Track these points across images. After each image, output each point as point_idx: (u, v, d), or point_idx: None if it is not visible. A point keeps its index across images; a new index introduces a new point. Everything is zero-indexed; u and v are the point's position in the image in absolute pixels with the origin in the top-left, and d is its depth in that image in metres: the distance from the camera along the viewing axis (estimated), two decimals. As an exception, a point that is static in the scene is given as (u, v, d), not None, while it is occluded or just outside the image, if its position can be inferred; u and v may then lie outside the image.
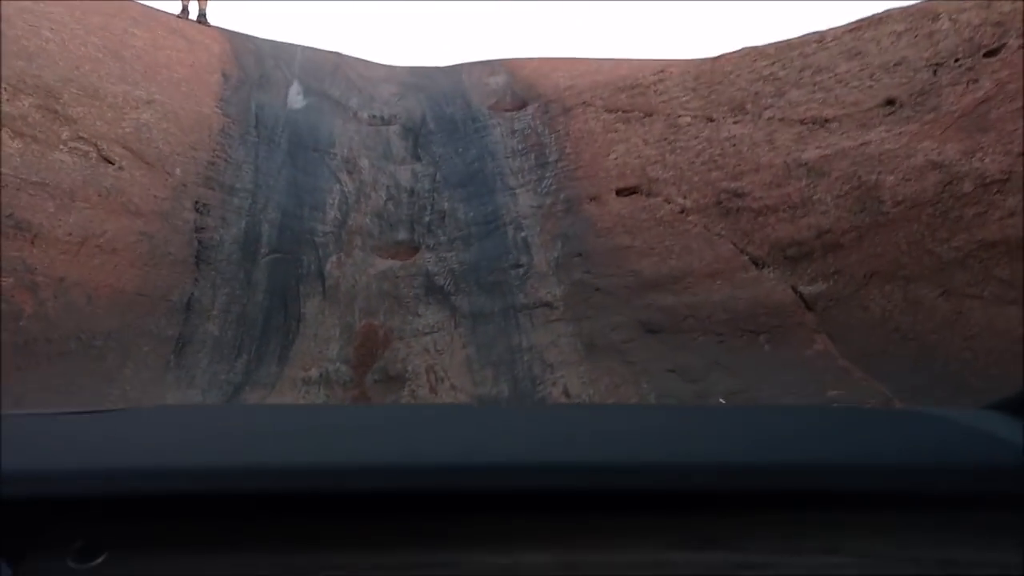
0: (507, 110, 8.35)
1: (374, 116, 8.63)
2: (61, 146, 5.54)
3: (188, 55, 7.80)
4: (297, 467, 0.84)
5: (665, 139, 6.34)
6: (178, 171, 6.07)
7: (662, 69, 7.47)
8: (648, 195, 5.92)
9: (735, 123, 6.00)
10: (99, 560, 0.73)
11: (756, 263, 4.98)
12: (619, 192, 6.11)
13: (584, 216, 6.00)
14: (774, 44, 6.60)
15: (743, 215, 5.24)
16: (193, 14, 9.83)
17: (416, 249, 6.69)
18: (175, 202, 5.79)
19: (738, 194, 5.37)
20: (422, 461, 0.87)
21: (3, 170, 5.02)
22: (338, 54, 9.96)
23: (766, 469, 0.85)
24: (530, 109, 8.07)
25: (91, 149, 5.70)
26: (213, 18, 9.81)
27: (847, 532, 0.77)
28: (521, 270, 5.75)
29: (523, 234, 6.14)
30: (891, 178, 4.52)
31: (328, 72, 9.29)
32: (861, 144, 4.87)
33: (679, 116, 6.51)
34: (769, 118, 5.77)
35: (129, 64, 6.92)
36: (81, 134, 5.72)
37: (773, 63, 6.30)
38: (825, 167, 4.95)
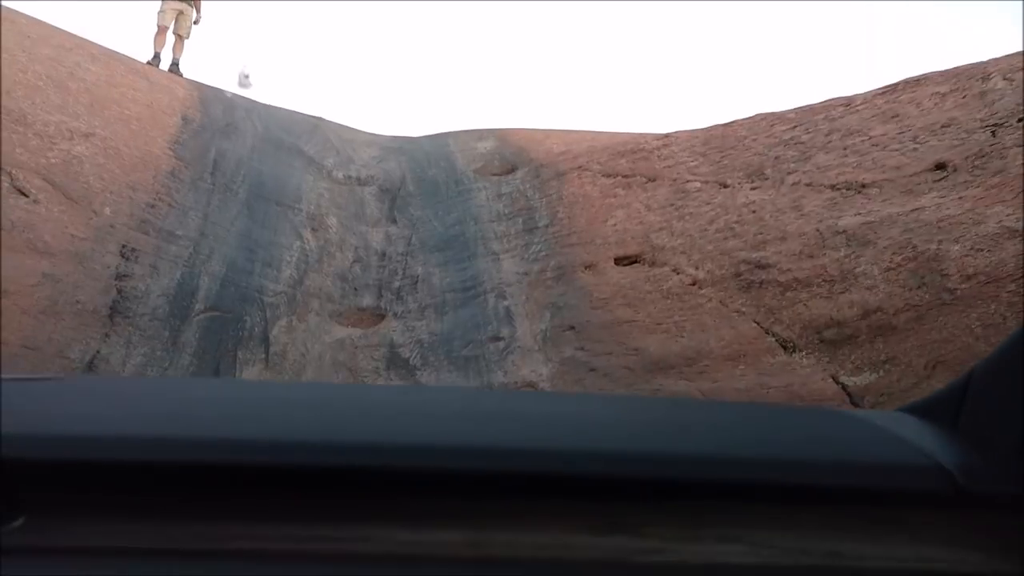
0: (495, 174, 7.63)
1: (349, 176, 7.87)
2: (-35, 171, 4.68)
3: (146, 95, 7.07)
4: (217, 440, 0.84)
5: (672, 205, 5.58)
6: (107, 210, 5.20)
7: (666, 135, 6.82)
8: (652, 264, 5.09)
9: (753, 189, 5.26)
10: (16, 523, 0.72)
11: (785, 346, 4.12)
12: (618, 260, 5.29)
13: (578, 285, 5.15)
14: (794, 109, 5.96)
15: (767, 289, 4.41)
16: (167, 64, 9.23)
17: (381, 316, 5.78)
18: (96, 244, 4.89)
19: (761, 265, 4.56)
20: (335, 439, 0.88)
21: None
22: (319, 118, 9.30)
23: (669, 458, 0.87)
24: (519, 173, 7.35)
25: (3, 178, 4.84)
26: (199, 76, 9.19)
27: (744, 522, 0.79)
28: (501, 343, 4.85)
29: (506, 303, 5.26)
30: (956, 248, 3.72)
31: (306, 130, 8.60)
32: (913, 210, 4.10)
33: (687, 181, 5.78)
34: (794, 183, 5.03)
35: (73, 95, 6.16)
36: (-7, 160, 4.88)
37: (794, 127, 5.63)
38: (869, 235, 4.16)
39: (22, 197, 4.81)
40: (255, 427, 0.92)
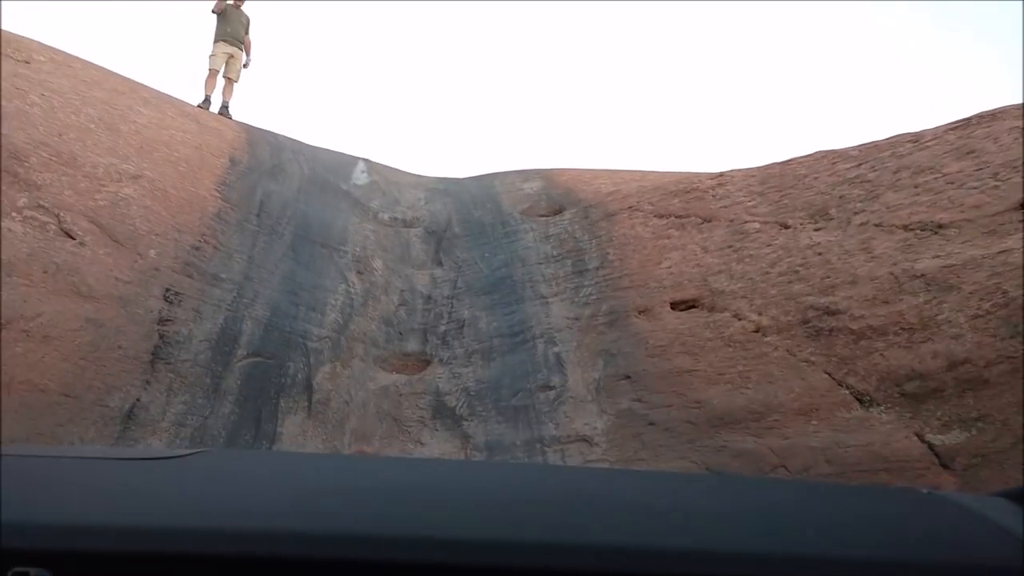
0: (542, 215, 7.46)
1: (395, 218, 7.78)
2: (14, 213, 4.65)
3: (195, 137, 7.09)
4: (322, 535, 0.82)
5: (730, 246, 5.33)
6: (153, 253, 5.14)
7: (720, 174, 6.58)
8: (712, 309, 4.83)
9: (817, 230, 4.98)
10: None
11: (861, 400, 3.81)
12: (675, 305, 5.04)
13: (632, 331, 4.90)
14: (857, 146, 5.69)
15: (838, 337, 4.12)
16: (216, 106, 9.32)
17: (427, 362, 5.60)
18: (140, 287, 4.81)
19: (830, 311, 4.27)
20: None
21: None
22: (366, 160, 9.28)
23: (771, 558, 0.81)
24: (567, 214, 7.16)
25: (51, 220, 4.81)
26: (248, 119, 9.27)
27: None
28: (552, 393, 4.61)
29: (556, 349, 5.04)
30: (1054, 294, 3.41)
31: (351, 171, 8.58)
32: (999, 252, 3.79)
33: (745, 222, 5.52)
34: (862, 224, 4.75)
35: (124, 138, 6.18)
36: (42, 202, 4.85)
37: (859, 165, 5.35)
38: (951, 279, 3.86)
39: (69, 240, 4.77)
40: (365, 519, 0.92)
